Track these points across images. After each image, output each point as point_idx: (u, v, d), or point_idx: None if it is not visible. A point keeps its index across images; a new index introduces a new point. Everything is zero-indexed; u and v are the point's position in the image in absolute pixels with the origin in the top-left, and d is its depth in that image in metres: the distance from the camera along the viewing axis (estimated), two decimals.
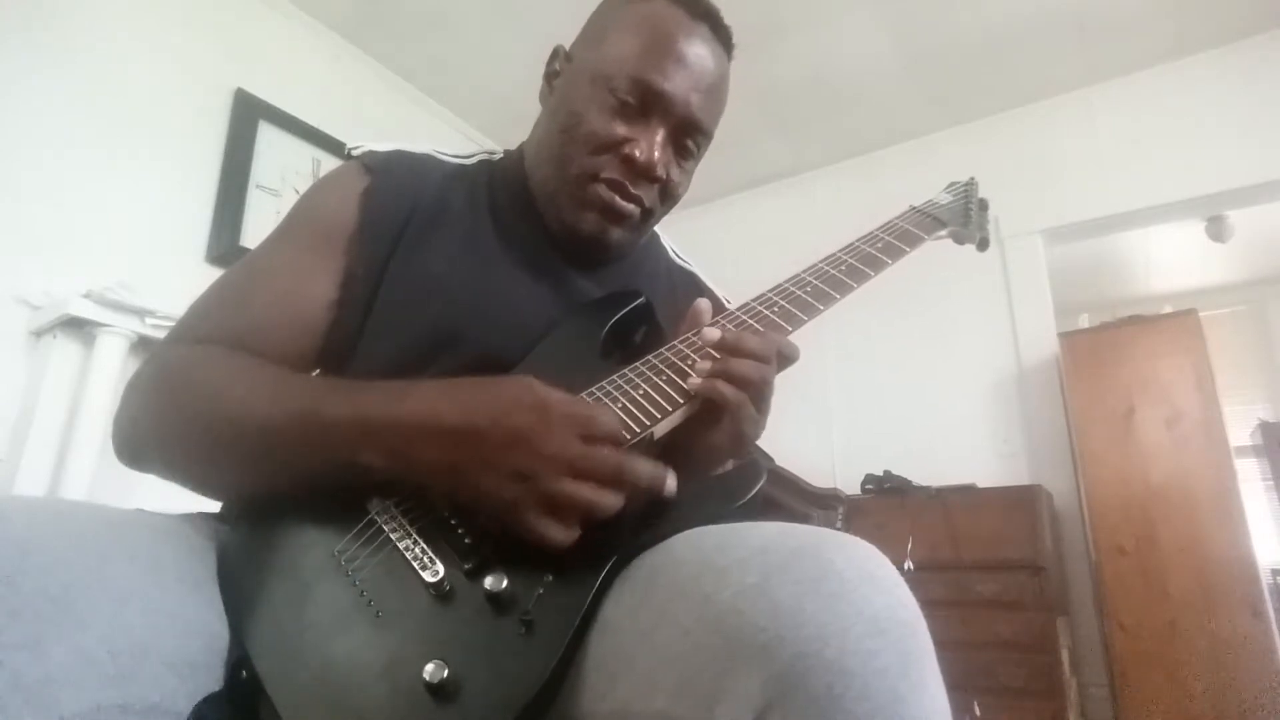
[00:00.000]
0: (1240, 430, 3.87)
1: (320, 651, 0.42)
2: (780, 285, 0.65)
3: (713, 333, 0.56)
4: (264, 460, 0.49)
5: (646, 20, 0.65)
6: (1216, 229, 3.61)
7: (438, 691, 0.39)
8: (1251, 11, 2.41)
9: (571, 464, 0.44)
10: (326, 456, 0.47)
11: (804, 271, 0.67)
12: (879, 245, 0.70)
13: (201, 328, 0.59)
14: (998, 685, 2.00)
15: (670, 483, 0.46)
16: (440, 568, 0.44)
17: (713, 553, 0.41)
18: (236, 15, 2.27)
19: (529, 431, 0.44)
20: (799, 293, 0.64)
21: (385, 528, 0.47)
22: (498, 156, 0.75)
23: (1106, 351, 2.38)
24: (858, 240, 0.70)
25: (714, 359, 0.54)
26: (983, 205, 0.80)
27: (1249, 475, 3.81)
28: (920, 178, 3.28)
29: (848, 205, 3.19)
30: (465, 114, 2.98)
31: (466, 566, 0.44)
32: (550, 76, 0.71)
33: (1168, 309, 2.64)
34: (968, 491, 2.36)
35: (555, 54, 0.72)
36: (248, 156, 2.19)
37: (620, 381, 0.55)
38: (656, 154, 0.63)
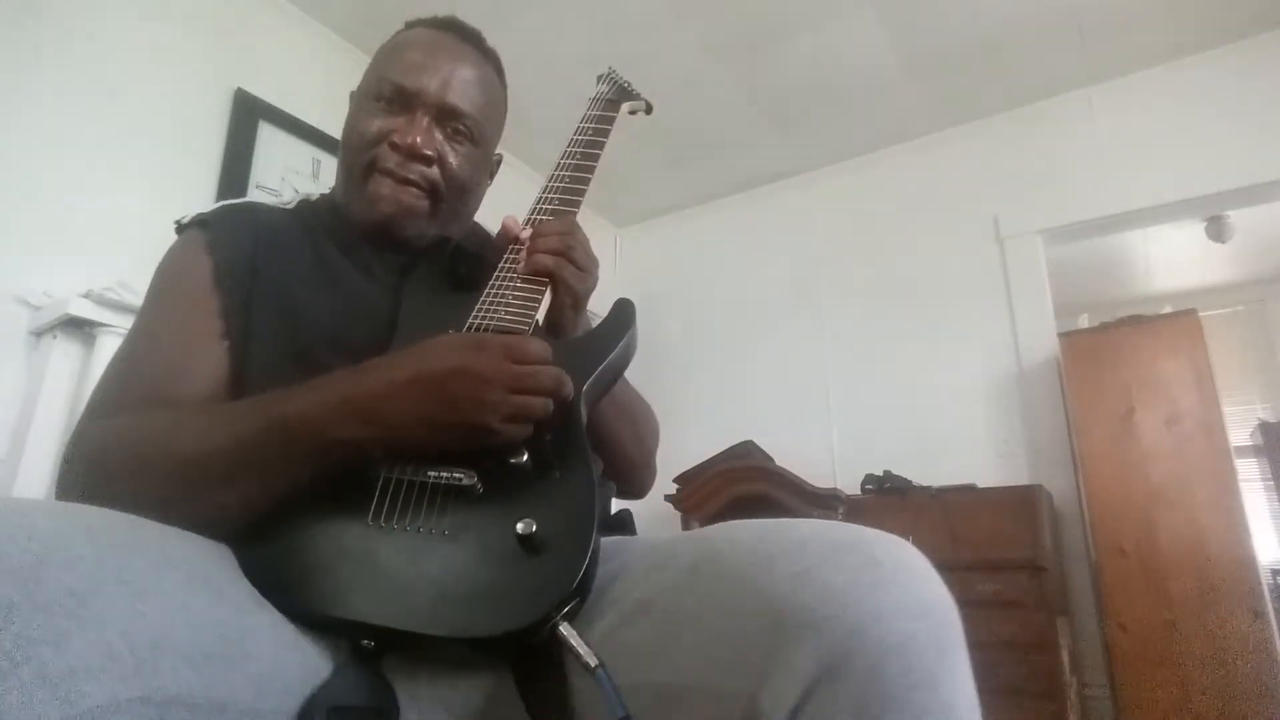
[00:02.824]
0: (1240, 430, 3.88)
1: (429, 583, 0.47)
2: (546, 185, 0.77)
3: (526, 232, 0.70)
4: (244, 476, 0.52)
5: (396, 42, 0.79)
6: (1216, 229, 3.61)
7: (531, 541, 0.47)
8: (1251, 11, 2.41)
9: (514, 382, 0.52)
10: (302, 445, 0.51)
11: (554, 170, 0.79)
12: (591, 131, 0.83)
13: (117, 400, 0.61)
14: (998, 685, 2.00)
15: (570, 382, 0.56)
16: (471, 471, 0.51)
17: (756, 544, 0.46)
18: (236, 15, 2.27)
19: (473, 364, 0.52)
20: (562, 184, 0.77)
21: (405, 478, 0.52)
22: (315, 197, 0.83)
23: (1106, 351, 2.38)
24: (573, 135, 0.83)
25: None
26: (626, 81, 0.95)
27: (1249, 475, 3.82)
28: (920, 178, 3.30)
29: (848, 205, 3.19)
30: None
31: (487, 462, 0.52)
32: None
33: (1168, 309, 2.64)
34: (968, 491, 2.36)
35: (350, 99, 0.81)
36: (248, 156, 2.19)
37: (491, 300, 0.65)
38: (420, 137, 0.72)
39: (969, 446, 2.66)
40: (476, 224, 0.90)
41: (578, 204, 0.75)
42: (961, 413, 2.72)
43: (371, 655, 0.46)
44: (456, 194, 0.77)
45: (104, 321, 1.66)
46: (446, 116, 0.74)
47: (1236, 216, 3.49)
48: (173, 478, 0.53)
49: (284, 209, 0.80)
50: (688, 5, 2.37)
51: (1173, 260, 4.33)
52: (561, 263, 0.66)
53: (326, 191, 0.84)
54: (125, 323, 1.68)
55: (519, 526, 0.47)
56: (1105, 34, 2.51)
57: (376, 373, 0.54)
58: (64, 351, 1.67)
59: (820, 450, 2.91)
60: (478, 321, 0.63)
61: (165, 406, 0.60)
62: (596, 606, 0.50)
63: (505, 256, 0.70)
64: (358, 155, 0.74)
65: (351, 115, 0.77)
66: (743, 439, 2.64)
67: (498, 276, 0.68)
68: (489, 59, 0.81)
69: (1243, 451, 3.68)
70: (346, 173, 0.76)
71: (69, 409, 1.64)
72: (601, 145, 0.81)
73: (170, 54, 2.07)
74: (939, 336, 2.84)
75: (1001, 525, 2.20)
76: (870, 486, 2.53)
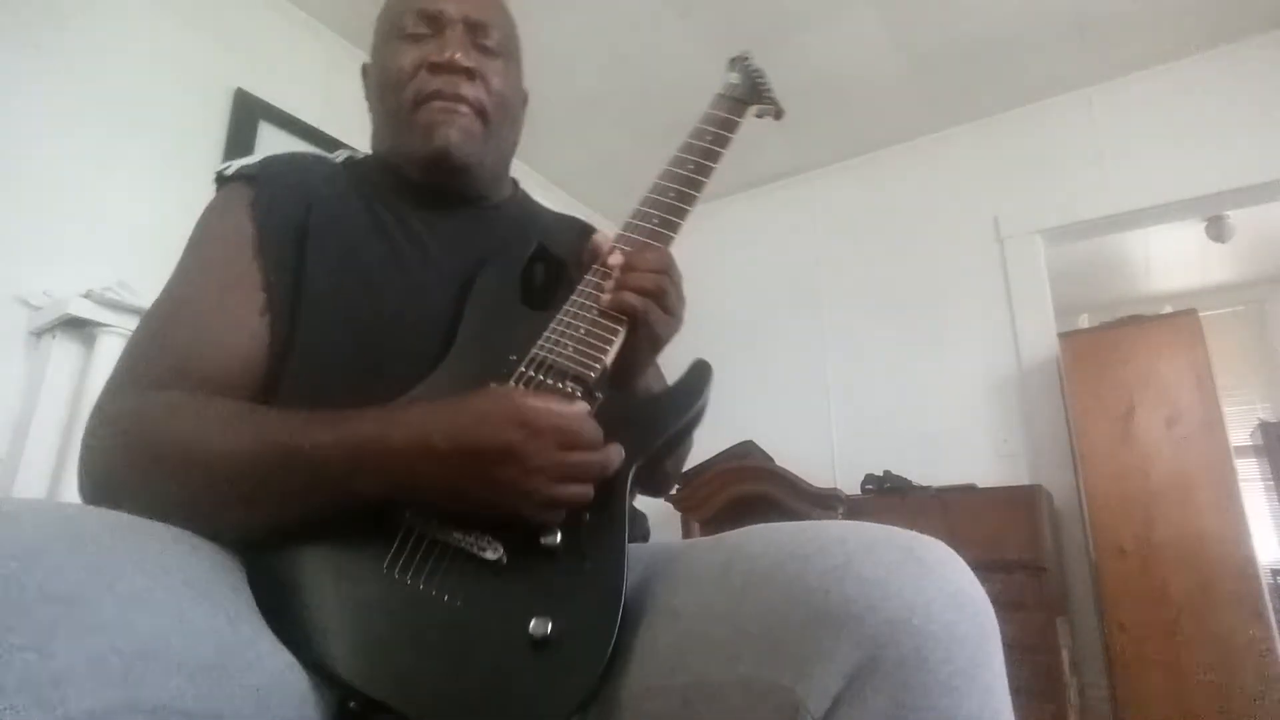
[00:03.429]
0: (1240, 430, 3.88)
1: (427, 657, 0.45)
2: (646, 198, 0.70)
3: (615, 257, 0.63)
4: (256, 501, 0.50)
5: None
6: (1216, 229, 3.61)
7: (544, 644, 0.44)
8: (1251, 11, 2.41)
9: (558, 472, 0.49)
10: (322, 486, 0.49)
11: (659, 179, 0.72)
12: (709, 138, 0.75)
13: (144, 373, 0.58)
14: None
15: (623, 456, 0.52)
16: (497, 544, 0.48)
17: (790, 544, 0.45)
18: (236, 15, 2.27)
19: (519, 448, 0.48)
20: (665, 199, 0.70)
21: (427, 530, 0.49)
22: (359, 156, 0.79)
23: (1106, 351, 2.38)
24: (688, 139, 0.75)
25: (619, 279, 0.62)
26: (760, 74, 0.86)
27: (1249, 475, 3.82)
28: (921, 178, 3.30)
29: (848, 205, 3.19)
30: None
31: (517, 536, 0.48)
32: (367, 90, 0.78)
33: (1168, 309, 2.64)
34: (968, 491, 2.36)
35: (364, 71, 0.79)
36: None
37: (562, 328, 0.60)
38: (455, 52, 0.69)
39: (969, 446, 2.66)
40: (524, 193, 0.85)
41: (678, 226, 0.68)
42: (961, 413, 2.72)
43: (356, 715, 0.44)
44: (502, 115, 0.74)
45: (104, 321, 1.66)
46: (475, 31, 0.72)
47: (1236, 216, 3.49)
48: (191, 486, 0.51)
49: (333, 162, 0.76)
50: (689, 4, 2.37)
51: (1173, 260, 4.33)
52: (650, 305, 0.61)
53: (369, 152, 0.80)
54: (125, 323, 1.68)
55: (533, 626, 0.44)
56: (1105, 34, 2.51)
57: (415, 428, 0.49)
58: (64, 351, 1.67)
59: (820, 450, 2.91)
60: (542, 354, 0.58)
61: (192, 395, 0.56)
62: (623, 618, 0.49)
63: (587, 278, 0.64)
64: (399, 93, 0.70)
65: (379, 67, 0.74)
66: (743, 439, 2.63)
67: (575, 300, 0.62)
68: None
69: (1243, 451, 3.67)
70: (391, 117, 0.72)
71: (69, 409, 1.64)
72: (719, 156, 0.73)
73: (170, 54, 2.07)
74: (939, 336, 2.84)
75: (1001, 525, 2.19)
76: (870, 486, 2.53)
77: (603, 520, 0.50)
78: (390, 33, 0.73)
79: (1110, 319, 2.60)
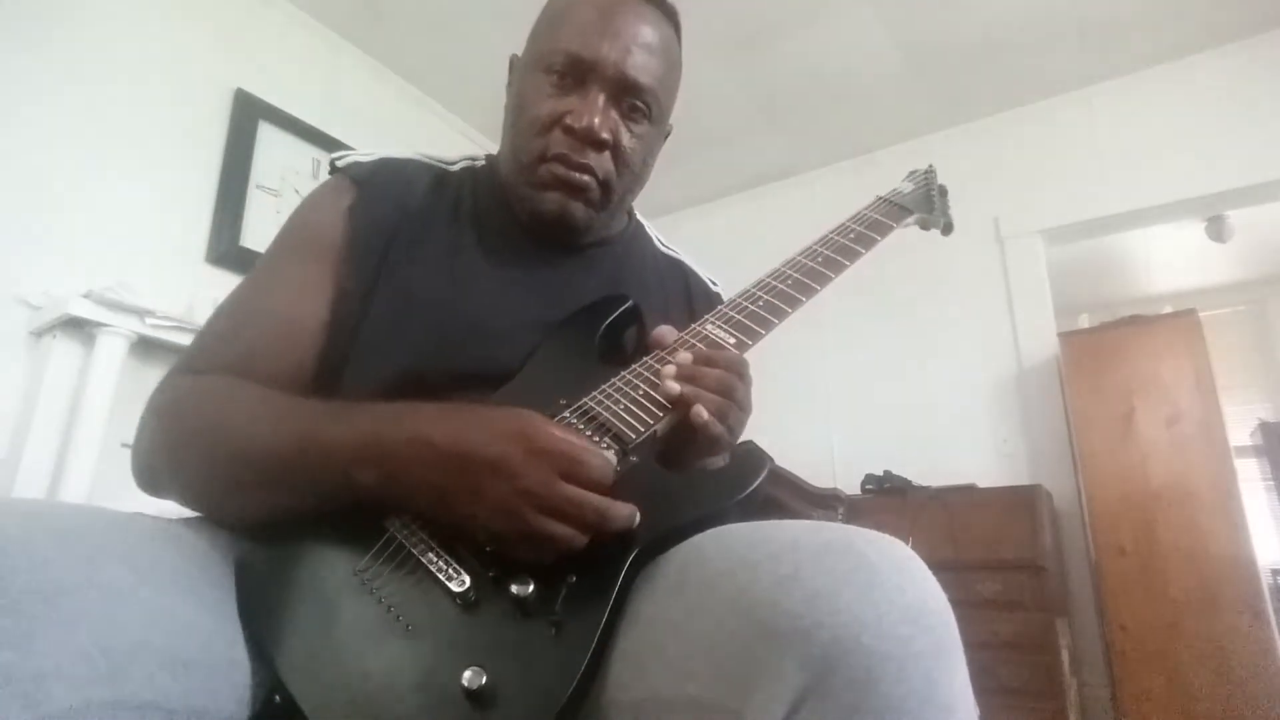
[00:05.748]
0: (1240, 430, 3.87)
1: (355, 671, 0.42)
2: (762, 280, 0.67)
3: (684, 356, 0.58)
4: (269, 485, 0.51)
5: (573, 2, 0.69)
6: (1216, 229, 3.60)
7: (477, 698, 0.40)
8: (1251, 11, 2.41)
9: (546, 501, 0.45)
10: (324, 476, 0.49)
11: (783, 265, 0.69)
12: (851, 236, 0.72)
13: (203, 358, 0.61)
14: (998, 685, 2.00)
15: (635, 519, 0.47)
16: (465, 577, 0.45)
17: (743, 549, 0.43)
18: (236, 15, 2.27)
19: (511, 462, 0.45)
20: (781, 286, 0.66)
21: (406, 543, 0.47)
22: (480, 163, 0.77)
23: (1106, 351, 2.38)
24: (831, 232, 0.72)
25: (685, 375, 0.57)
26: (942, 191, 0.84)
27: (1249, 475, 3.81)
28: None
29: (848, 205, 3.17)
30: (466, 115, 2.98)
31: (491, 574, 0.45)
32: (508, 86, 0.74)
33: (1168, 309, 2.64)
34: (968, 491, 2.36)
35: (511, 65, 0.75)
36: (248, 156, 2.19)
37: (619, 384, 0.58)
38: (596, 119, 0.64)
39: (969, 446, 2.66)
40: (639, 226, 0.81)
41: (786, 315, 0.63)
42: (961, 413, 2.72)
43: (279, 711, 0.43)
44: (628, 182, 0.70)
45: (104, 321, 1.66)
46: (624, 92, 0.66)
47: (1236, 216, 3.49)
48: (215, 469, 0.54)
49: (445, 171, 0.74)
50: (687, 3, 2.37)
51: (1173, 260, 4.33)
52: (718, 425, 0.57)
53: (493, 155, 0.77)
54: (125, 323, 1.68)
55: (467, 675, 0.40)
56: (1105, 34, 2.51)
57: (420, 425, 0.49)
58: (64, 351, 1.67)
59: (820, 450, 2.91)
60: (591, 404, 0.56)
61: (237, 386, 0.57)
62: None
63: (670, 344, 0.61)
64: (528, 141, 0.66)
65: (519, 90, 0.69)
66: (743, 439, 2.63)
67: (645, 362, 0.60)
68: (669, 18, 0.72)
69: (1243, 451, 3.66)
70: (514, 156, 0.69)
71: (69, 409, 1.64)
72: (856, 256, 0.69)
73: (170, 54, 2.07)
74: (939, 336, 2.84)
75: (1001, 525, 2.20)
76: (870, 486, 2.53)
77: (589, 587, 0.45)
78: (539, 57, 0.68)
79: (1110, 319, 2.60)
